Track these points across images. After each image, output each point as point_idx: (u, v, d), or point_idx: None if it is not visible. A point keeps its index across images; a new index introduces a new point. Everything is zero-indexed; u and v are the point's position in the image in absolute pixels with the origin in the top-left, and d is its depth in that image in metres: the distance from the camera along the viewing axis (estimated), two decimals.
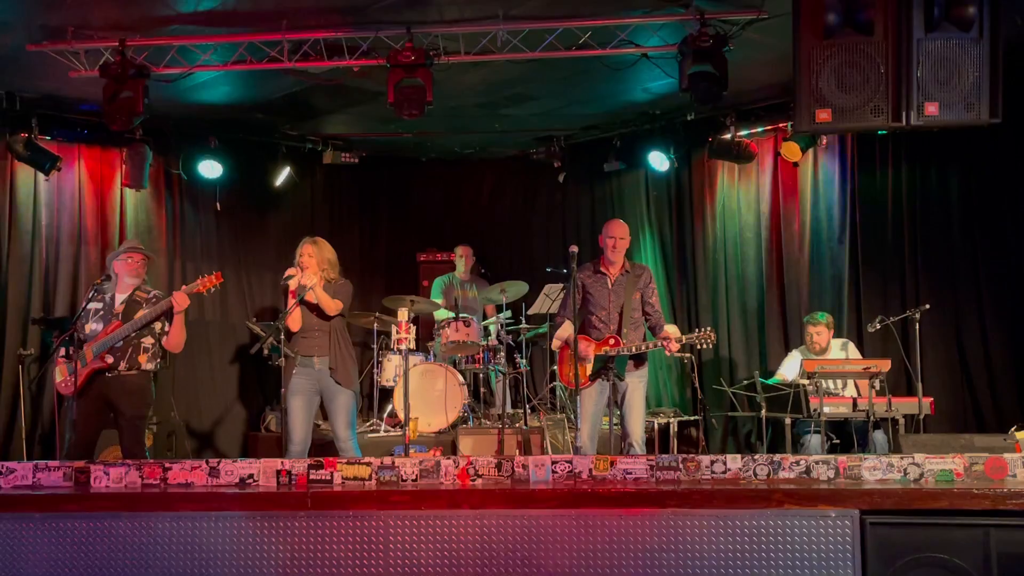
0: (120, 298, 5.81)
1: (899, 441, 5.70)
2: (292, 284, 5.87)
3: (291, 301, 5.85)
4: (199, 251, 8.76)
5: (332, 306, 5.89)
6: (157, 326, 5.78)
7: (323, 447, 6.55)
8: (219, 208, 8.83)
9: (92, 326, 5.73)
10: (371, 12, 5.91)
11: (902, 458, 4.01)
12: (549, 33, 6.13)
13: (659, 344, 5.83)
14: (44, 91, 7.28)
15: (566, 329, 5.94)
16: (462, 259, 9.14)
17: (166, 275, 8.36)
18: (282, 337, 5.69)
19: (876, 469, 4.00)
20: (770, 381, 6.91)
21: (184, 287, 5.74)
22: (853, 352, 7.03)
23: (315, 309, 5.90)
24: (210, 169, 8.43)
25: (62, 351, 5.73)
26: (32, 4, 5.71)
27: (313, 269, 5.87)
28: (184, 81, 6.69)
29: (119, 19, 5.97)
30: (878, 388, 6.13)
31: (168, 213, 8.55)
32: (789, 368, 7.08)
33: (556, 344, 6.14)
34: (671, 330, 5.99)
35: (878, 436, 6.40)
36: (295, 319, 5.86)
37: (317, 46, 6.29)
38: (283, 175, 8.99)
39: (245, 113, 8.16)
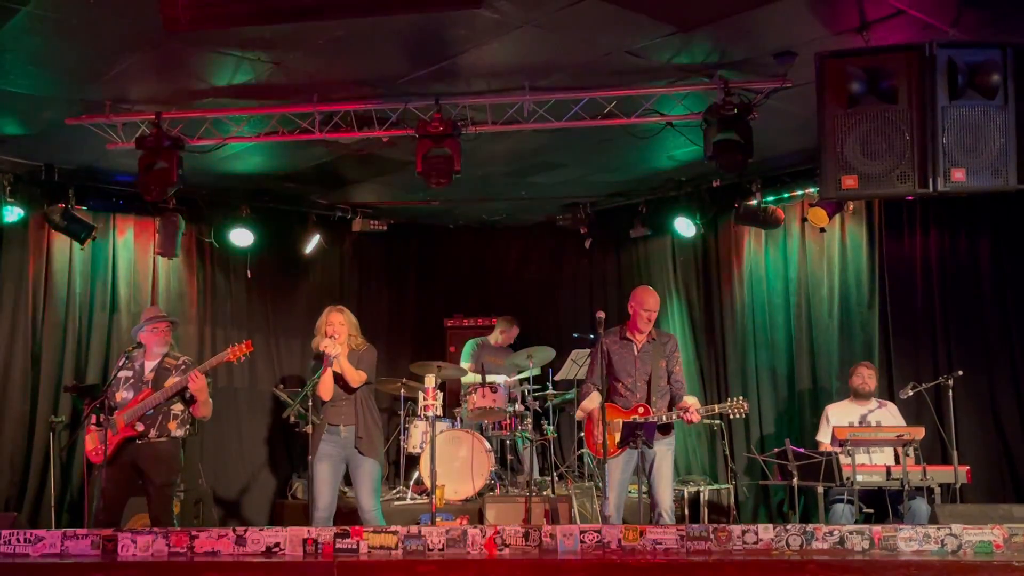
0: (150, 366, 5.88)
1: (935, 511, 5.58)
2: (330, 350, 5.85)
3: (324, 369, 5.85)
4: (229, 318, 8.85)
5: (356, 378, 5.88)
6: (187, 393, 5.83)
7: (348, 515, 6.50)
8: (249, 276, 8.92)
9: (123, 394, 5.79)
10: (400, 84, 6.03)
11: (939, 529, 3.92)
12: (575, 103, 6.22)
13: (680, 416, 5.77)
14: (81, 163, 7.47)
15: (592, 400, 5.90)
16: (501, 334, 9.13)
17: (197, 342, 8.44)
18: (309, 404, 5.71)
19: (912, 540, 3.91)
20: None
21: (198, 368, 5.78)
22: (893, 411, 6.90)
23: (340, 379, 5.91)
24: (241, 237, 8.55)
25: (93, 418, 5.78)
26: (73, 80, 5.87)
27: (342, 339, 5.90)
28: (217, 152, 6.83)
29: (156, 93, 6.13)
30: (912, 456, 6.00)
31: (199, 281, 8.67)
32: (827, 428, 6.95)
33: (580, 415, 6.11)
34: (690, 400, 5.89)
35: (921, 505, 6.24)
36: (327, 388, 5.86)
37: (347, 117, 6.41)
38: (313, 243, 9.11)
39: (276, 183, 8.31)
